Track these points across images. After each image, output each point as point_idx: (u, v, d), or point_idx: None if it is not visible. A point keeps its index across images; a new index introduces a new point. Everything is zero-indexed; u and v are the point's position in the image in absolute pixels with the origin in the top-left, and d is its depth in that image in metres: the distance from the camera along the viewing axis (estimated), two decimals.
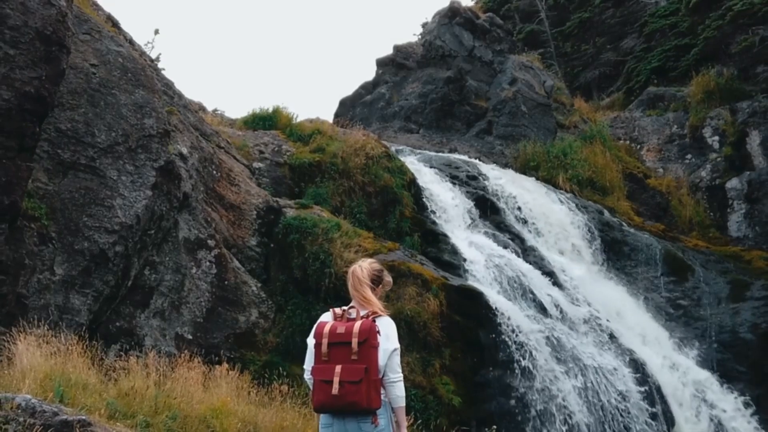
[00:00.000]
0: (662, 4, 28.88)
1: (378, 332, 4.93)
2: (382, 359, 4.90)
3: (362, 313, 5.06)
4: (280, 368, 12.33)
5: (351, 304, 5.21)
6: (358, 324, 4.90)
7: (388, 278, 5.40)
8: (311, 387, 5.04)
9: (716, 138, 22.24)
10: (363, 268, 5.31)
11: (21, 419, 5.23)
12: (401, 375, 5.04)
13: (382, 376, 4.94)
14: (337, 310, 5.19)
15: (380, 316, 5.06)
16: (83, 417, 5.59)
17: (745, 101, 22.14)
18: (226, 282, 13.18)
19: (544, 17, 31.92)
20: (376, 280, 5.34)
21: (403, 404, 5.03)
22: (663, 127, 23.99)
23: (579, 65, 32.22)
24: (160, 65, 17.75)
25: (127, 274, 11.59)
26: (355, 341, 4.82)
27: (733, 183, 20.85)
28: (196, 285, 12.75)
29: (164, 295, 12.25)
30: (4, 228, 9.50)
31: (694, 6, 24.75)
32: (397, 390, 4.98)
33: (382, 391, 4.96)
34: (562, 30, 31.84)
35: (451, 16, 26.92)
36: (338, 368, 4.79)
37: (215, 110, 25.44)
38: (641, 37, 29.18)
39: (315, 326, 5.09)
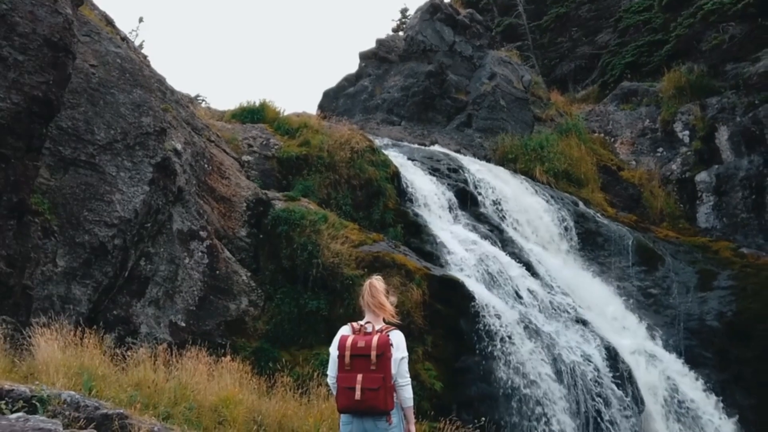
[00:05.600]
0: (636, 0, 29.55)
1: (391, 344, 5.72)
2: (394, 367, 5.71)
3: (377, 327, 5.84)
4: (269, 354, 12.96)
5: (366, 319, 5.97)
6: (375, 338, 5.70)
7: (393, 297, 6.14)
8: (335, 392, 5.85)
9: (686, 132, 22.93)
10: (378, 281, 6.16)
11: (67, 413, 5.76)
12: (409, 380, 5.85)
13: (393, 381, 5.72)
14: (355, 324, 5.97)
15: (391, 330, 5.86)
16: (121, 411, 6.16)
17: (714, 97, 22.79)
18: (217, 271, 13.64)
19: (522, 11, 32.48)
20: (386, 293, 6.14)
21: (412, 404, 5.86)
22: (636, 121, 24.67)
23: (555, 57, 32.87)
24: (143, 52, 18.07)
25: (124, 265, 12.08)
26: (373, 354, 5.63)
27: (702, 176, 21.55)
28: (189, 275, 13.20)
29: (159, 285, 12.71)
30: (13, 224, 9.96)
31: (666, 3, 25.39)
32: (405, 392, 5.81)
33: (394, 394, 5.74)
34: (539, 24, 32.44)
35: (433, 11, 27.46)
36: (359, 377, 5.58)
37: (197, 96, 25.84)
38: (616, 32, 29.86)
39: (337, 339, 5.87)
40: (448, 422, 12.01)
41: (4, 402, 5.31)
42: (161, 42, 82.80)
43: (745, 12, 22.54)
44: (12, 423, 4.03)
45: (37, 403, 5.65)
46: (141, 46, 23.86)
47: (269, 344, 13.47)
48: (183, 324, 12.90)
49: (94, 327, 10.21)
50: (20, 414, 4.40)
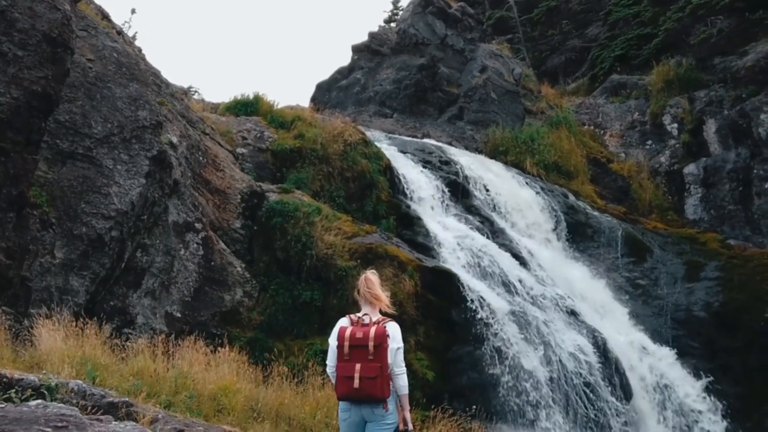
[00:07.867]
0: None
1: (388, 335, 5.94)
2: (390, 357, 5.94)
3: (374, 318, 6.07)
4: (264, 345, 13.15)
5: (364, 312, 6.19)
6: (373, 330, 5.92)
7: (387, 292, 6.36)
8: (334, 381, 6.08)
9: (675, 125, 23.17)
10: (373, 274, 6.35)
11: (74, 401, 5.96)
12: (405, 369, 6.07)
13: (390, 371, 5.96)
14: (353, 316, 6.18)
15: (388, 321, 6.09)
16: (126, 399, 6.38)
17: (702, 90, 23.02)
18: (212, 263, 13.80)
19: (513, 3, 32.63)
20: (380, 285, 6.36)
21: (407, 392, 6.06)
22: (625, 113, 24.90)
23: (546, 50, 33.02)
24: (136, 44, 18.14)
25: (121, 256, 12.25)
26: (371, 344, 5.85)
27: (690, 168, 21.81)
28: (185, 266, 13.37)
29: (155, 276, 12.89)
30: (12, 216, 10.11)
31: None
32: (401, 381, 6.02)
33: (390, 383, 5.98)
34: (530, 17, 32.59)
35: (425, 5, 27.62)
36: (358, 366, 5.81)
37: (190, 87, 25.90)
38: (605, 26, 30.02)
39: (337, 330, 6.09)
40: (440, 411, 12.24)
41: (14, 390, 5.50)
42: (153, 32, 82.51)
43: (732, 6, 22.81)
44: (33, 410, 4.22)
45: (45, 392, 5.84)
46: (134, 38, 23.91)
47: (264, 335, 13.66)
48: (178, 314, 13.08)
49: (94, 318, 10.38)
50: (39, 401, 4.58)
